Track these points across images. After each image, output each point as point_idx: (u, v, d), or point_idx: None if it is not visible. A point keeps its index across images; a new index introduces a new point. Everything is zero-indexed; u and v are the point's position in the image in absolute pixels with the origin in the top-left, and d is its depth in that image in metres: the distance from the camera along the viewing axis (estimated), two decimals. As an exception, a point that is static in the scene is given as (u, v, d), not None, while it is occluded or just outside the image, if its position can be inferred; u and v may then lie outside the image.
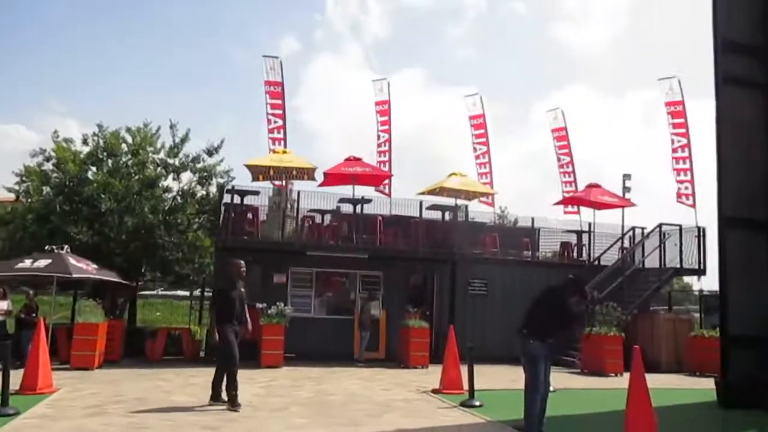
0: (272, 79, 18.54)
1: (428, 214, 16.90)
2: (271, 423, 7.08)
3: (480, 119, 21.05)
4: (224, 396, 8.01)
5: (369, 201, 16.45)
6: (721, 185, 9.89)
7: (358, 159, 16.23)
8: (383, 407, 8.53)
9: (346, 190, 16.41)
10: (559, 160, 21.51)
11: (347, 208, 16.52)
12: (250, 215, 15.70)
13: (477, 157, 20.80)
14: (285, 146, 17.50)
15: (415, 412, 8.18)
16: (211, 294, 8.14)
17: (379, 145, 19.30)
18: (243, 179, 16.84)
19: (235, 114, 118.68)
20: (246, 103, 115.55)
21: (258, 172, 15.68)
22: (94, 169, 16.75)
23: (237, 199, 15.66)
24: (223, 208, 15.66)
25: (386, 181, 17.99)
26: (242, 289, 8.50)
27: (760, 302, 9.57)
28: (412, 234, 16.07)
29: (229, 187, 16.17)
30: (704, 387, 11.12)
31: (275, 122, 18.25)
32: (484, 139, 20.88)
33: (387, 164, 18.83)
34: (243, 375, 11.53)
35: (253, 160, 15.59)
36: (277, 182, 17.13)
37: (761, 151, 10.03)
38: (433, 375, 11.54)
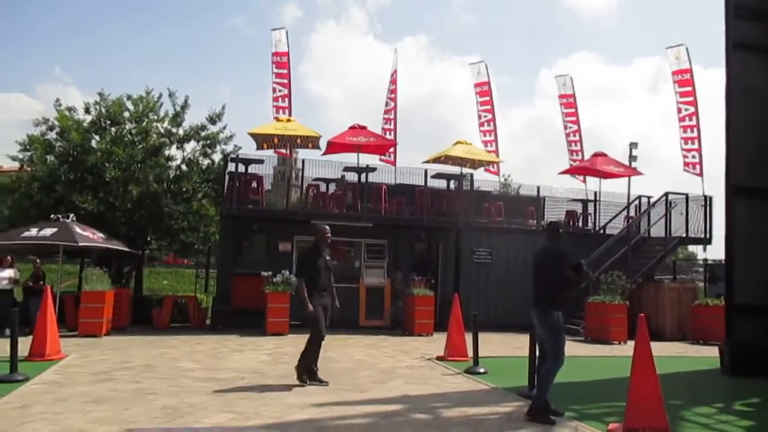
0: (279, 50, 18.44)
1: (433, 183, 16.81)
2: (278, 389, 7.14)
3: (485, 86, 20.83)
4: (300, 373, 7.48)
5: (374, 170, 16.33)
6: (730, 153, 9.81)
7: (363, 127, 16.09)
8: (388, 374, 8.61)
9: (350, 158, 16.34)
10: (566, 127, 21.31)
11: (352, 176, 16.46)
12: (254, 184, 15.66)
13: (482, 125, 20.63)
14: (290, 115, 17.39)
15: (420, 379, 8.25)
16: (297, 260, 7.68)
17: (385, 113, 19.16)
18: (247, 148, 16.70)
19: (234, 84, 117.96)
20: (246, 72, 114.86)
21: (262, 140, 15.57)
22: (97, 137, 16.68)
23: (241, 168, 15.60)
24: (227, 177, 15.61)
25: (391, 150, 17.89)
26: (328, 257, 7.79)
27: (766, 271, 9.56)
28: (417, 202, 16.04)
29: (234, 155, 16.13)
30: (708, 355, 11.22)
31: (280, 91, 18.21)
32: (489, 107, 20.68)
33: (392, 132, 18.71)
34: (250, 342, 11.77)
35: (257, 129, 15.47)
36: (281, 151, 17.05)
37: (771, 118, 9.91)
38: (437, 342, 11.63)
